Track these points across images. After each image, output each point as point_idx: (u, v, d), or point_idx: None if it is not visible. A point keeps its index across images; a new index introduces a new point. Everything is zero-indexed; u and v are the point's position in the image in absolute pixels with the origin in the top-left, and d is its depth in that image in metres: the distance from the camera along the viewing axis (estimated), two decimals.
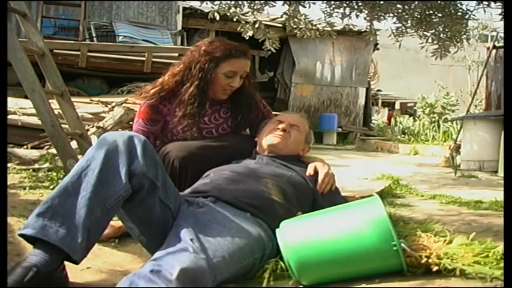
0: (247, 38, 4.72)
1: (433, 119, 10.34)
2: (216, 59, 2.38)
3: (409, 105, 14.46)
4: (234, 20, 4.76)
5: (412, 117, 11.45)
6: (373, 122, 11.30)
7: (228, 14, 4.65)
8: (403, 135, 10.44)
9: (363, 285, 1.59)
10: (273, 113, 2.68)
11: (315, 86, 12.32)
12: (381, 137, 10.42)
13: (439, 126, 10.01)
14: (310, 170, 2.25)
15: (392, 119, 11.69)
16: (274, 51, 4.94)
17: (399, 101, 14.43)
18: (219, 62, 2.38)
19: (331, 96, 12.42)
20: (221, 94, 2.45)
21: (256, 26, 4.55)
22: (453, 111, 10.46)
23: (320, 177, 2.22)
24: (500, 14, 4.10)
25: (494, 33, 8.69)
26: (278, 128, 2.36)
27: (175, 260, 1.43)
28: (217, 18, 4.66)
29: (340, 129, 12.04)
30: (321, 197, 2.19)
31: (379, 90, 14.68)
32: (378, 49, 13.07)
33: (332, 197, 2.20)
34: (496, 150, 5.62)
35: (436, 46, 4.35)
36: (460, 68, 14.59)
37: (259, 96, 2.65)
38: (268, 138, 2.35)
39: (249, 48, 2.53)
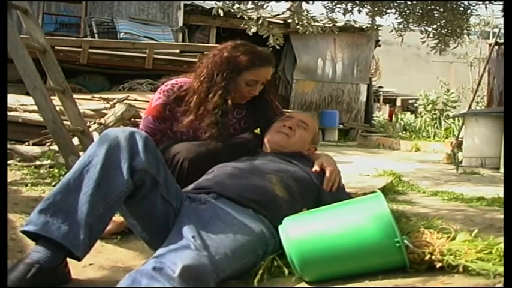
0: (251, 35, 4.70)
1: (435, 116, 10.33)
2: (239, 68, 2.33)
3: (410, 101, 14.42)
4: (238, 16, 4.74)
5: (413, 114, 11.43)
6: (374, 118, 11.28)
7: (232, 10, 4.63)
8: (404, 132, 10.43)
9: (366, 281, 1.58)
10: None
11: (316, 82, 12.30)
12: (382, 134, 10.41)
13: (440, 122, 10.01)
14: (316, 167, 2.24)
15: (394, 116, 11.68)
16: (278, 47, 4.92)
17: (400, 98, 14.37)
18: (241, 71, 2.33)
19: (332, 92, 12.40)
20: (240, 100, 2.42)
21: (260, 22, 4.53)
22: (455, 107, 10.45)
23: (327, 175, 2.21)
24: (501, 11, 4.09)
25: (496, 30, 8.67)
26: (284, 125, 2.35)
27: (177, 257, 1.43)
28: (221, 14, 4.64)
29: (341, 126, 12.03)
30: (325, 193, 2.18)
31: (380, 87, 14.64)
32: (379, 46, 13.04)
33: (336, 193, 2.19)
34: (497, 147, 5.62)
35: (436, 41, 4.34)
36: (462, 64, 14.54)
37: (275, 100, 2.63)
38: (272, 136, 2.35)
39: (271, 54, 2.49)
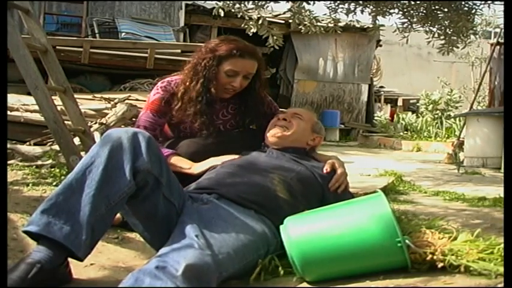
0: (250, 35, 4.69)
1: (436, 116, 10.32)
2: (218, 57, 2.37)
3: (411, 101, 14.42)
4: (238, 16, 4.74)
5: (414, 114, 11.42)
6: (375, 118, 11.27)
7: (232, 10, 4.63)
8: (405, 132, 10.42)
9: (367, 281, 1.58)
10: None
11: (317, 82, 12.30)
12: (383, 134, 10.40)
13: (442, 122, 9.99)
14: (327, 167, 2.23)
15: (395, 116, 11.67)
16: (278, 48, 4.92)
17: (402, 98, 14.37)
18: (221, 60, 2.37)
19: (333, 92, 12.40)
20: (223, 93, 2.45)
21: (260, 22, 4.53)
22: (456, 107, 10.44)
23: (336, 176, 2.22)
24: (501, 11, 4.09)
25: (498, 30, 8.66)
26: (278, 119, 2.38)
27: (180, 256, 1.43)
28: (222, 14, 4.64)
29: (342, 126, 12.03)
30: (329, 193, 2.18)
31: (381, 87, 14.64)
32: (380, 45, 13.03)
33: (341, 194, 2.19)
34: (499, 147, 5.62)
35: (443, 41, 4.32)
36: (463, 64, 14.53)
37: (268, 96, 2.66)
38: (270, 131, 2.37)
39: (257, 48, 2.50)
